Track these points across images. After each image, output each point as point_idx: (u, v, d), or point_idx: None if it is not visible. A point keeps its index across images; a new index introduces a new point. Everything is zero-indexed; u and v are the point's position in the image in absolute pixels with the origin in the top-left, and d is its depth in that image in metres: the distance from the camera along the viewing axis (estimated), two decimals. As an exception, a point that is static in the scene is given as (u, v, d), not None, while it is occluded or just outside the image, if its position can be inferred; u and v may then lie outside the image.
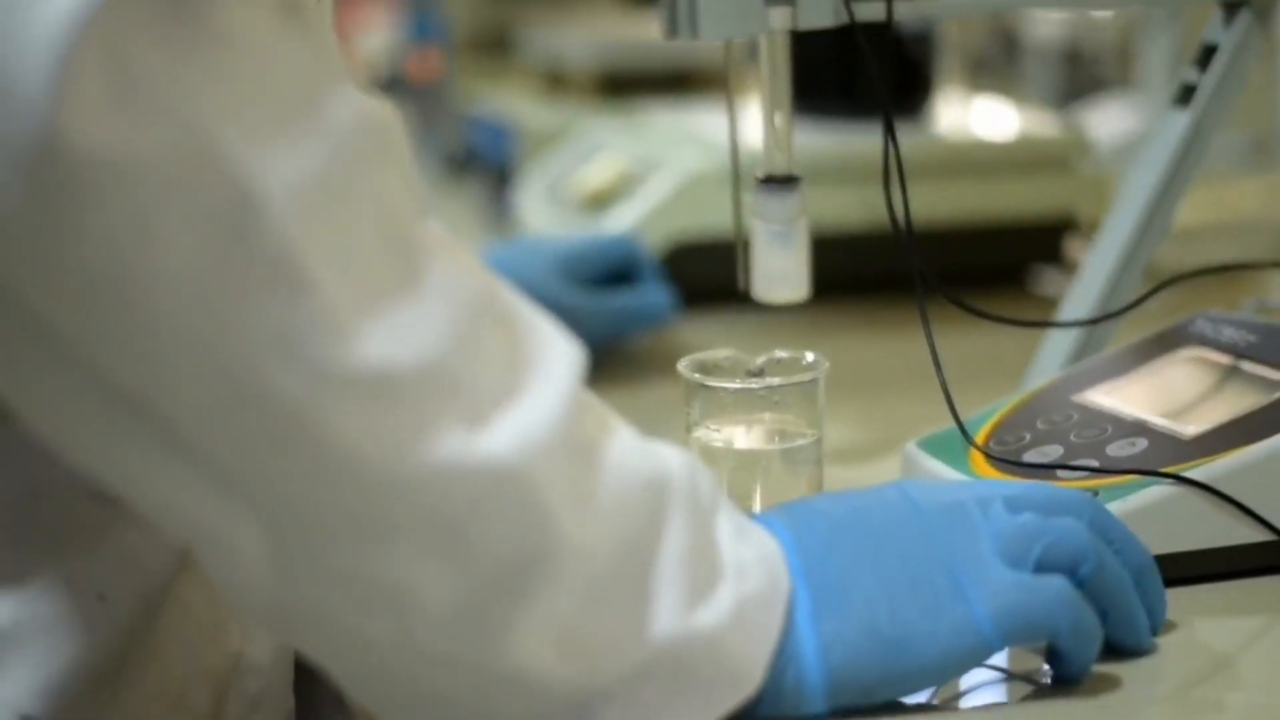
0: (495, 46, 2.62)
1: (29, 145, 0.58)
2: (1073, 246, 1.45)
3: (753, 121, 1.07)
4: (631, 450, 0.69)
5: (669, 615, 0.68)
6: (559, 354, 0.68)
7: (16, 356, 0.63)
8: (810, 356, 0.93)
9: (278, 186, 0.61)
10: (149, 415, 0.62)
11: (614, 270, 1.34)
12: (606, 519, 0.67)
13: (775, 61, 1.00)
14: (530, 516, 0.65)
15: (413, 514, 0.64)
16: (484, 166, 1.93)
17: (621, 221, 1.45)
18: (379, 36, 2.42)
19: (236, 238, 0.60)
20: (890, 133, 0.93)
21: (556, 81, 2.16)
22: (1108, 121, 2.03)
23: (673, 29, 0.99)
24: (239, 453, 0.62)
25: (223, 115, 0.60)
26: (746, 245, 1.05)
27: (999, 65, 2.30)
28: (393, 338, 0.63)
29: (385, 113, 0.66)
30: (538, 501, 0.65)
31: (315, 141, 0.62)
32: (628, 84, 2.03)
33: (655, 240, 1.43)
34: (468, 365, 0.65)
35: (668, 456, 0.71)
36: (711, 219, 1.39)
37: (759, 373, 0.94)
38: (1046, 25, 2.21)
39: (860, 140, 1.40)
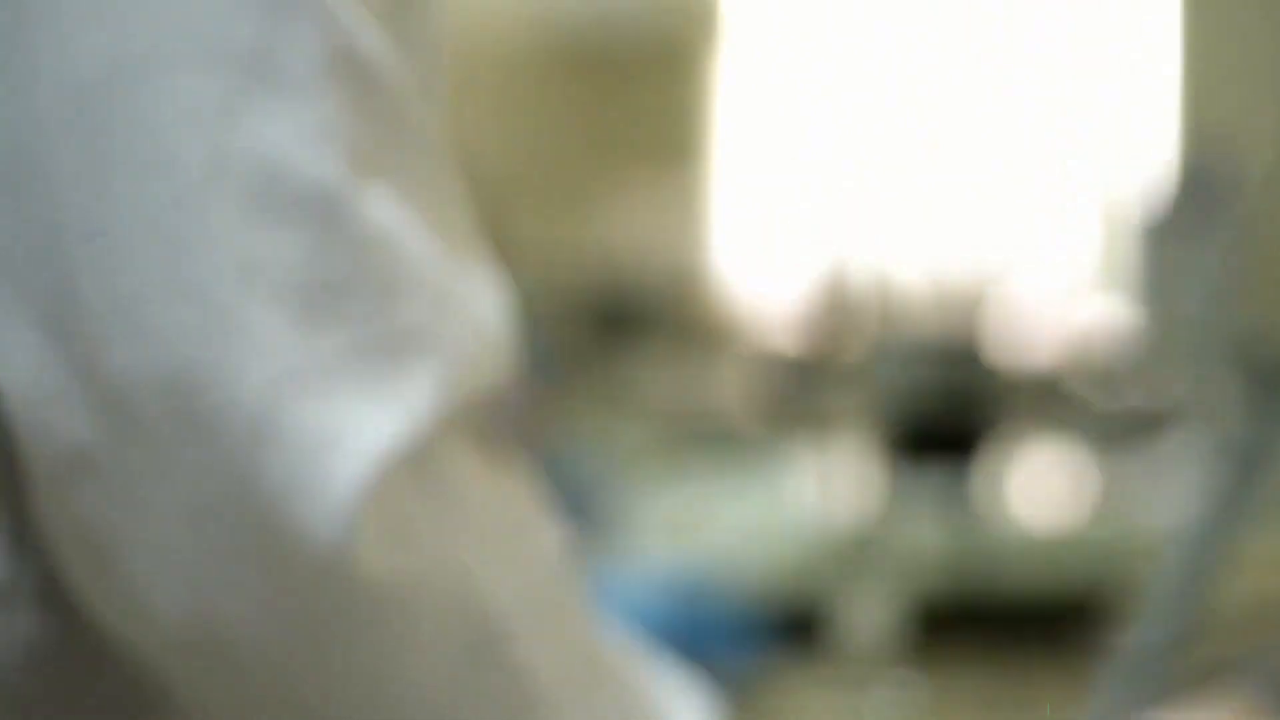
0: (589, 383, 2.77)
1: (314, 576, 0.70)
2: (1113, 617, 1.64)
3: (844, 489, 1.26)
4: None
5: None
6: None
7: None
8: (894, 690, 1.11)
9: (512, 610, 0.75)
10: None
11: (709, 620, 1.45)
12: None
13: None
14: None
15: None
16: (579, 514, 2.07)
17: (720, 574, 1.59)
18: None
19: (480, 653, 0.74)
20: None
21: (654, 428, 2.35)
22: (1144, 488, 2.22)
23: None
24: None
25: (468, 552, 0.74)
26: (842, 608, 1.24)
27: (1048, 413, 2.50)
28: None
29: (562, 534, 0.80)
30: None
31: (535, 568, 0.76)
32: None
33: (754, 593, 1.55)
34: None
35: None
36: (810, 577, 1.52)
37: None
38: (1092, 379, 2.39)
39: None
